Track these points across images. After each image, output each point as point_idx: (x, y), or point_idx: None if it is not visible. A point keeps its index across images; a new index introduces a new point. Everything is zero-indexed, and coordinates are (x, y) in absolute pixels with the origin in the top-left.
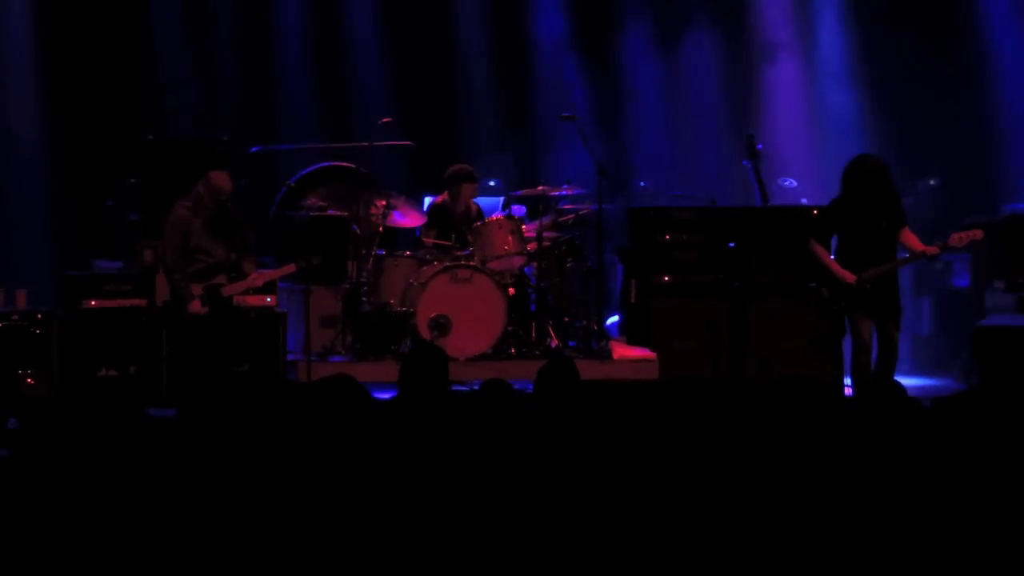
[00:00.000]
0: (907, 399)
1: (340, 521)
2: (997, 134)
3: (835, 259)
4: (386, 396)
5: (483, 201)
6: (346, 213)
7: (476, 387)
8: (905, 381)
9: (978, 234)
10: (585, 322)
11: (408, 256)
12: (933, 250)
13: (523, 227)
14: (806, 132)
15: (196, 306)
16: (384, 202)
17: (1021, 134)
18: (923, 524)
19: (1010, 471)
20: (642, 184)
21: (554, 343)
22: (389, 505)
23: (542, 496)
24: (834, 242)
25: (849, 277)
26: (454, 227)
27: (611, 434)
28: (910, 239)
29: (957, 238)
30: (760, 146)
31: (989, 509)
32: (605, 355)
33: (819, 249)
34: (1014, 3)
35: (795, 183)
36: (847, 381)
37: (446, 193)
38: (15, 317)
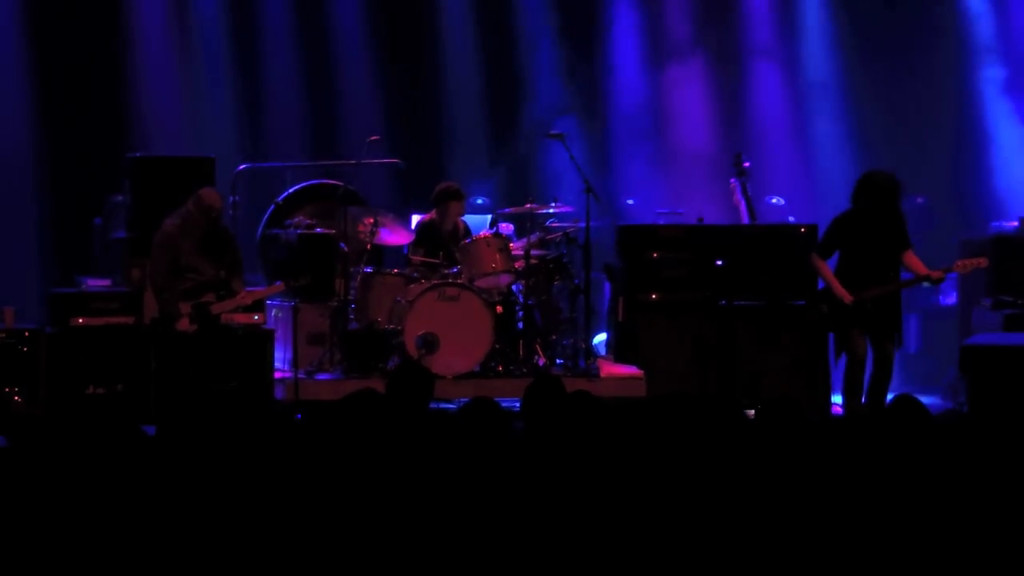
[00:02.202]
0: (924, 415)
1: (329, 539)
2: (984, 152)
3: (835, 274)
4: None
5: (471, 219)
6: (334, 231)
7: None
8: (891, 399)
9: (982, 262)
10: (572, 340)
11: (396, 274)
12: (938, 275)
13: (511, 245)
14: (794, 150)
15: (184, 324)
16: (372, 220)
17: (1008, 152)
18: (911, 541)
19: (998, 488)
20: (629, 202)
21: (541, 361)
22: (377, 520)
23: (526, 513)
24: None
25: (847, 297)
26: (442, 245)
27: (598, 451)
28: (914, 261)
29: (961, 264)
30: (748, 164)
31: (978, 526)
32: (593, 373)
33: (821, 264)
34: (1000, 25)
35: (783, 201)
36: (835, 400)
37: (434, 211)
38: (2, 335)
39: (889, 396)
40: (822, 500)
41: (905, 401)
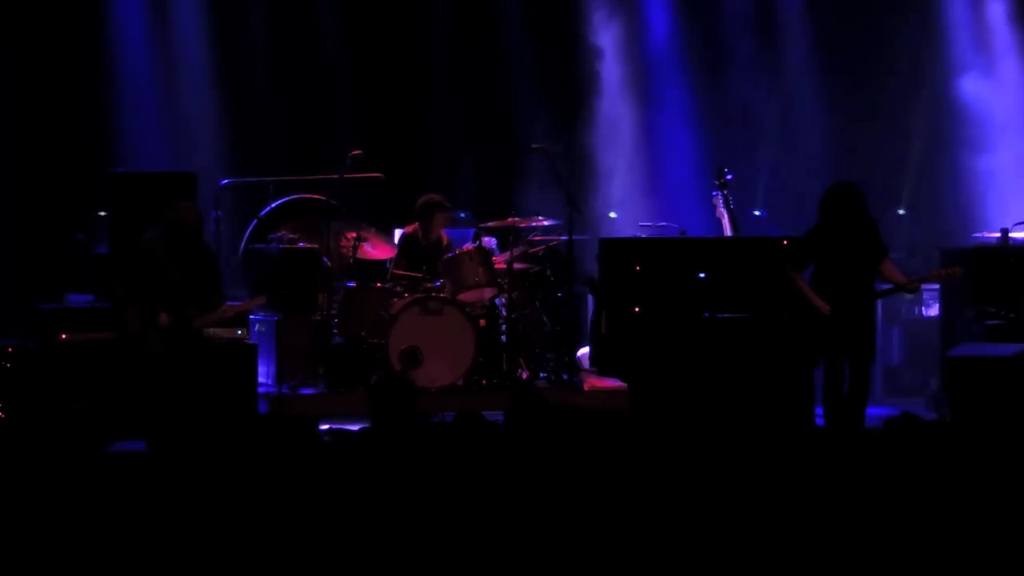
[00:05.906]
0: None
1: (320, 551)
2: (964, 164)
3: (811, 287)
4: (357, 428)
5: (453, 232)
6: (316, 245)
7: (448, 419)
8: (875, 410)
9: (957, 271)
10: (556, 353)
11: (379, 288)
12: (913, 284)
13: (493, 259)
14: (776, 163)
15: (163, 333)
16: (354, 234)
17: (986, 164)
18: (891, 552)
19: (980, 498)
20: (612, 215)
21: (525, 374)
22: (368, 532)
23: (514, 522)
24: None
25: (824, 308)
26: (424, 257)
27: (581, 462)
28: (891, 271)
29: (936, 274)
30: (730, 176)
31: (958, 535)
32: (576, 386)
33: (796, 277)
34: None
35: (765, 213)
36: (818, 411)
37: (417, 223)
38: None
39: (869, 409)
40: (808, 511)
41: (908, 420)
